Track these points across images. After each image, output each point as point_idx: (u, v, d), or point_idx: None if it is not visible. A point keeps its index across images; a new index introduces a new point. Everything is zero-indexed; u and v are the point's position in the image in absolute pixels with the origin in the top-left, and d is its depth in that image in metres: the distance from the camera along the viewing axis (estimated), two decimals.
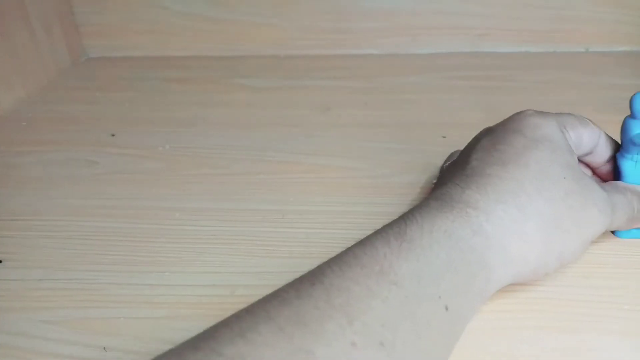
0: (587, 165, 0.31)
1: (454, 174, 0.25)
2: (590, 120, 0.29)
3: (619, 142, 0.29)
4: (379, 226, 0.31)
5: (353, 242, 0.30)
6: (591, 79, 0.52)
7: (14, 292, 0.28)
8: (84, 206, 0.35)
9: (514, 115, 0.28)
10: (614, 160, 0.30)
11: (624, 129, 0.28)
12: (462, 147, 0.29)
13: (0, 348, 0.25)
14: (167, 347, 0.24)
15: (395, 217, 0.32)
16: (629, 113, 0.28)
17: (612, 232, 0.30)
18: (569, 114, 0.28)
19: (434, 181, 0.34)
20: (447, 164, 0.31)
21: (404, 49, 0.60)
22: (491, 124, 0.28)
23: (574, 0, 0.55)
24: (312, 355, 0.16)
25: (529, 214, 0.23)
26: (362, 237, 0.30)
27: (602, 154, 0.29)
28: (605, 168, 0.30)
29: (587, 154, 0.29)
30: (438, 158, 0.38)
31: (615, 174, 0.29)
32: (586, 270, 0.28)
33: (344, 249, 0.21)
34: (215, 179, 0.37)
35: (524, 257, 0.23)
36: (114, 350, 0.24)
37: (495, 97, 0.49)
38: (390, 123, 0.44)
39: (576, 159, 0.26)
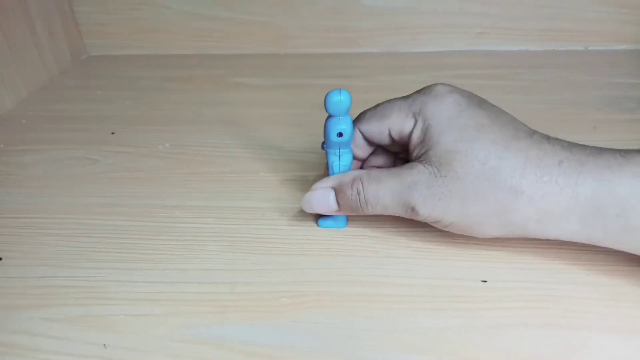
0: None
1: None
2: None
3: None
4: (377, 224, 0.31)
5: (352, 240, 0.30)
6: (590, 77, 0.52)
7: (15, 290, 0.28)
8: (85, 204, 0.35)
9: None
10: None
11: (325, 128, 0.29)
12: None
13: (1, 346, 0.25)
14: (167, 344, 0.24)
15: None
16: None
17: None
18: None
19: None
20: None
21: (403, 47, 0.60)
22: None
23: None
24: None
25: None
26: (361, 235, 0.31)
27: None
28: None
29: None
30: None
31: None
32: (587, 267, 0.28)
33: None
34: (215, 177, 0.38)
35: None
36: (114, 347, 0.24)
37: (494, 96, 0.48)
38: None
39: None
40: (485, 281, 0.27)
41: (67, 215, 0.34)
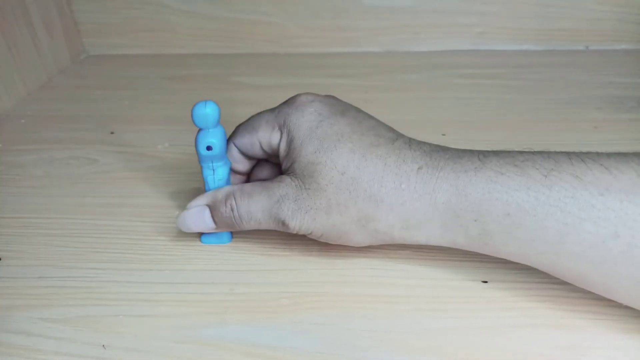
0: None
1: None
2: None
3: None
4: None
5: None
6: (591, 77, 0.51)
7: (13, 290, 0.28)
8: (84, 204, 0.35)
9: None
10: None
11: (196, 142, 0.28)
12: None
13: (1, 346, 0.25)
14: (166, 344, 0.24)
15: None
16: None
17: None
18: None
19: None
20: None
21: (404, 46, 0.60)
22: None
23: None
24: None
25: None
26: None
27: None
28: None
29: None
30: None
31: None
32: None
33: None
34: None
35: None
36: (113, 348, 0.24)
37: (495, 95, 0.49)
38: (389, 121, 0.44)
39: None
40: (485, 282, 0.27)
41: (67, 215, 0.34)
